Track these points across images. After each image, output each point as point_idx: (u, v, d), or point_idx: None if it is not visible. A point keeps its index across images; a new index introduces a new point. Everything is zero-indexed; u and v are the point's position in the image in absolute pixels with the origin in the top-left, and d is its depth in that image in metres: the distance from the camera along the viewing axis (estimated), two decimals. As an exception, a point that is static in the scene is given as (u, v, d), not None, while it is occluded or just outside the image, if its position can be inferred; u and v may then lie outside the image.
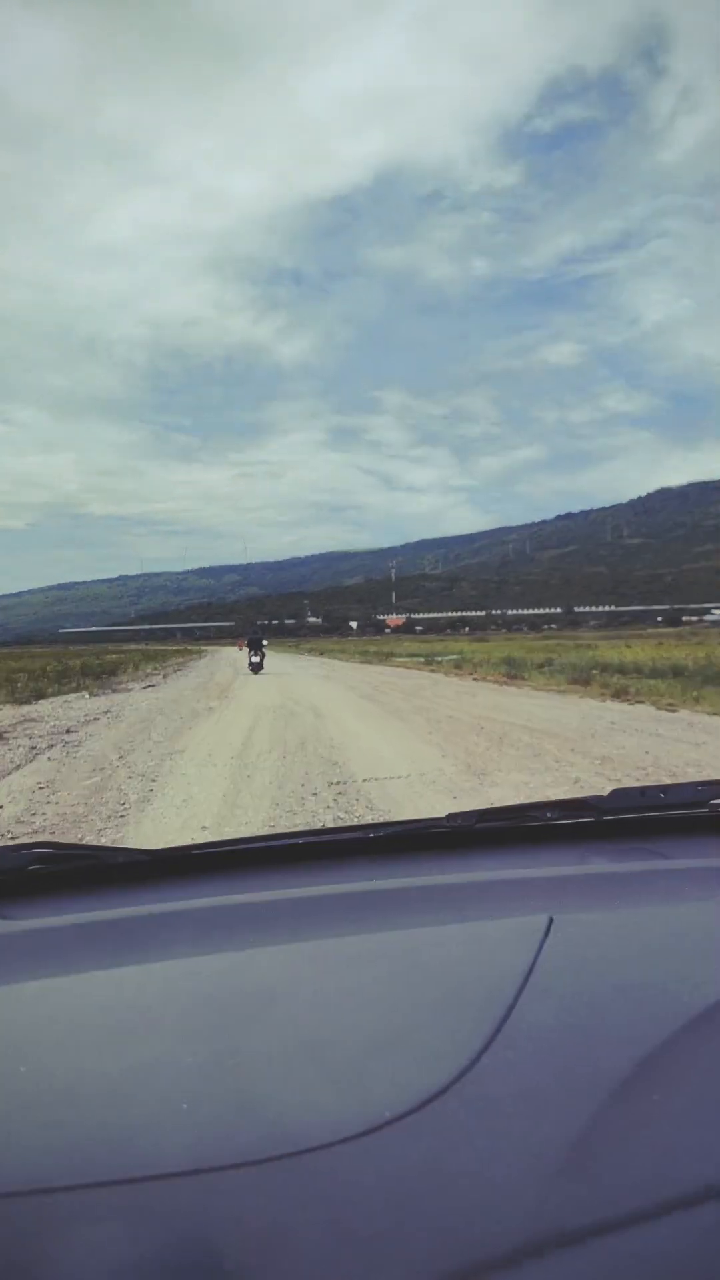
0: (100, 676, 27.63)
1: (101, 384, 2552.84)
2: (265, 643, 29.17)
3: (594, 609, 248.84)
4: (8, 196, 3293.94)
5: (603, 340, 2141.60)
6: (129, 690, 21.47)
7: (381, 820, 3.42)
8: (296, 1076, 0.77)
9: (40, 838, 5.14)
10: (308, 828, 5.33)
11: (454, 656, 39.01)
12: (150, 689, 21.89)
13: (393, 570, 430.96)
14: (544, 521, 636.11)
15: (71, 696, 19.43)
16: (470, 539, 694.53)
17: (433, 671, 27.63)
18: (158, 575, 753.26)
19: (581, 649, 40.64)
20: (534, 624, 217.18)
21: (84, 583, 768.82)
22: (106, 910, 1.20)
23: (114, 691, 20.94)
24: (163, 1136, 0.70)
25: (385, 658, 43.42)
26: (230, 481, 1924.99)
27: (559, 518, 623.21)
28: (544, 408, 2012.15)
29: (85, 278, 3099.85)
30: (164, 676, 28.82)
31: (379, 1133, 0.67)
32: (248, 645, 29.03)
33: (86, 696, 19.37)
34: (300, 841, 1.50)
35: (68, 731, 12.09)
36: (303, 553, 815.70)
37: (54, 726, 12.79)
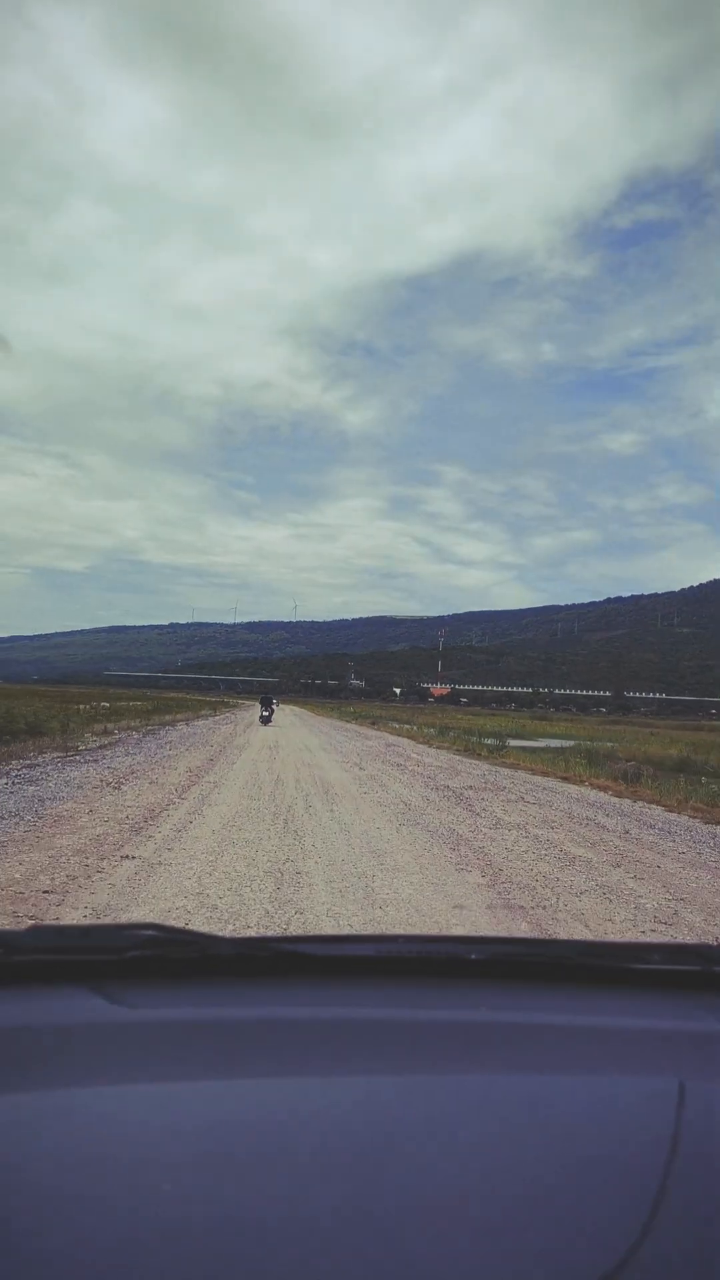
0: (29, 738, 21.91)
1: (170, 437, 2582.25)
2: (275, 702, 42.47)
3: (644, 695, 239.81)
4: (101, 252, 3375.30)
5: (663, 431, 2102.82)
6: None
7: (480, 935, 3.57)
8: (443, 1239, 0.68)
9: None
10: (407, 932, 5.10)
11: (602, 744, 26.96)
12: None
13: (440, 639, 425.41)
14: (593, 604, 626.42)
15: None
16: (518, 615, 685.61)
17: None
18: (208, 626, 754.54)
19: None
20: (583, 705, 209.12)
21: (135, 628, 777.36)
22: (216, 1008, 1.14)
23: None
24: None
25: (494, 748, 26.09)
26: (285, 541, 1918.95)
27: (608, 601, 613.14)
28: (600, 493, 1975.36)
29: (165, 335, 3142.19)
30: (105, 747, 23.08)
31: None
32: (260, 702, 40.64)
33: None
34: (408, 953, 1.40)
35: None
36: (350, 615, 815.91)
37: None
